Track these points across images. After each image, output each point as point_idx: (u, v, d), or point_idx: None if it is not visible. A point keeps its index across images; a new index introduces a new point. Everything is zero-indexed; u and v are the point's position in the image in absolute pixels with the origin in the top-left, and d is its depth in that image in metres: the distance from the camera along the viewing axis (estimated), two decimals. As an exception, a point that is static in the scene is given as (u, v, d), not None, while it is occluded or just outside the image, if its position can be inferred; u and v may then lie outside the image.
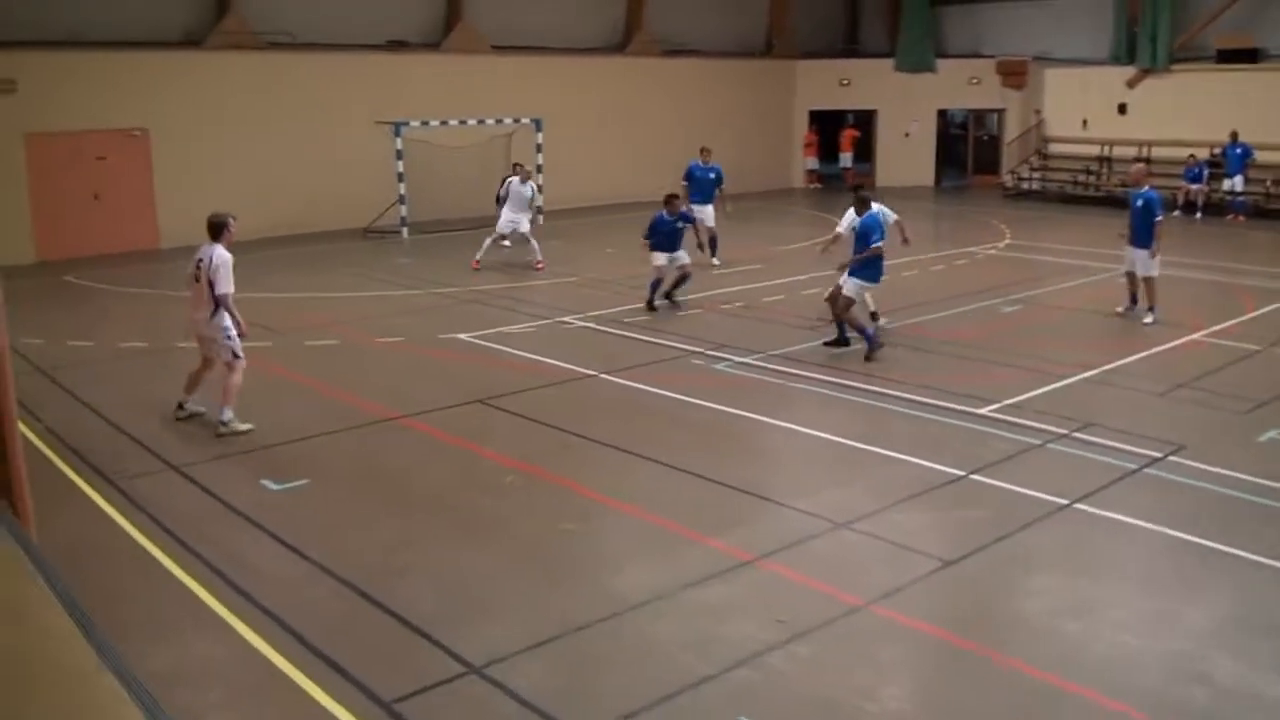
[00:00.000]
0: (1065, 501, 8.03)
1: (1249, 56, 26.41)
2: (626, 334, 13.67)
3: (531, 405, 10.60)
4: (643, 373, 11.76)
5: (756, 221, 24.06)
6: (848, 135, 33.73)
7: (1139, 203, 14.43)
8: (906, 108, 32.75)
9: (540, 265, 18.50)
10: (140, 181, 21.57)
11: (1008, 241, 21.73)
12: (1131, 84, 28.56)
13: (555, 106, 25.65)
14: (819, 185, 33.43)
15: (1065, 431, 9.63)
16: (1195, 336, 13.46)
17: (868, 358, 12.16)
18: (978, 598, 6.77)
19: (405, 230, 22.64)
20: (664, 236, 15.18)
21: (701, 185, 18.87)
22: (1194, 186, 25.53)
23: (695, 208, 17.79)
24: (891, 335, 13.57)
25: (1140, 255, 14.27)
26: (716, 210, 19.06)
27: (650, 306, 15.03)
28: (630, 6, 29.04)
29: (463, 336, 13.52)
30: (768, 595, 6.70)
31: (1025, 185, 30.33)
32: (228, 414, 9.73)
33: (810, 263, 19.02)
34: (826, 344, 12.83)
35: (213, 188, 21.67)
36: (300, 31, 23.39)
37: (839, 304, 12.52)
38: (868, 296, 13.27)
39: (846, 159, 33.69)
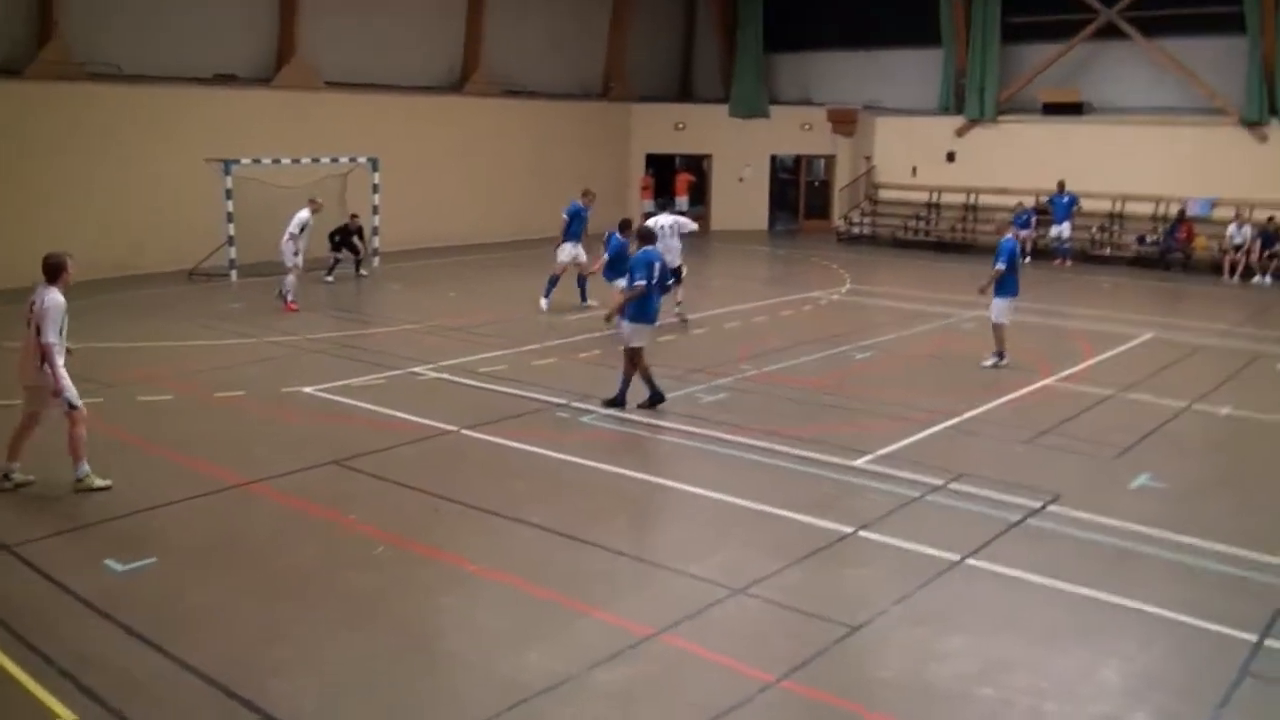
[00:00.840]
0: (956, 557, 7.94)
1: (1073, 110, 27.78)
2: (483, 385, 13.14)
3: (393, 466, 9.97)
4: (507, 427, 11.26)
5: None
6: (683, 179, 33.96)
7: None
8: (740, 152, 33.26)
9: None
10: (-54, 217, 19.83)
11: (848, 286, 22.09)
12: (960, 133, 29.68)
13: (392, 146, 24.94)
14: (656, 228, 33.45)
15: (941, 482, 9.60)
16: (1047, 382, 13.81)
17: (643, 406, 11.92)
18: (887, 665, 6.53)
19: (234, 273, 21.50)
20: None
21: (585, 225, 19.36)
22: (1023, 233, 26.49)
23: (569, 246, 18.90)
24: (749, 383, 13.48)
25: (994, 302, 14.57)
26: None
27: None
28: (468, 46, 28.57)
29: (308, 390, 12.73)
30: (674, 674, 6.32)
31: (857, 230, 31.10)
32: (83, 468, 9.15)
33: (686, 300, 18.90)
34: (606, 403, 12.00)
35: (29, 226, 20.22)
36: (127, 63, 22.06)
37: (631, 359, 11.93)
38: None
39: (682, 203, 33.82)
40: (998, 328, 14.55)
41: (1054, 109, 28.23)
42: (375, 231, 23.64)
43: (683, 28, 35.95)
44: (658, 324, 12.40)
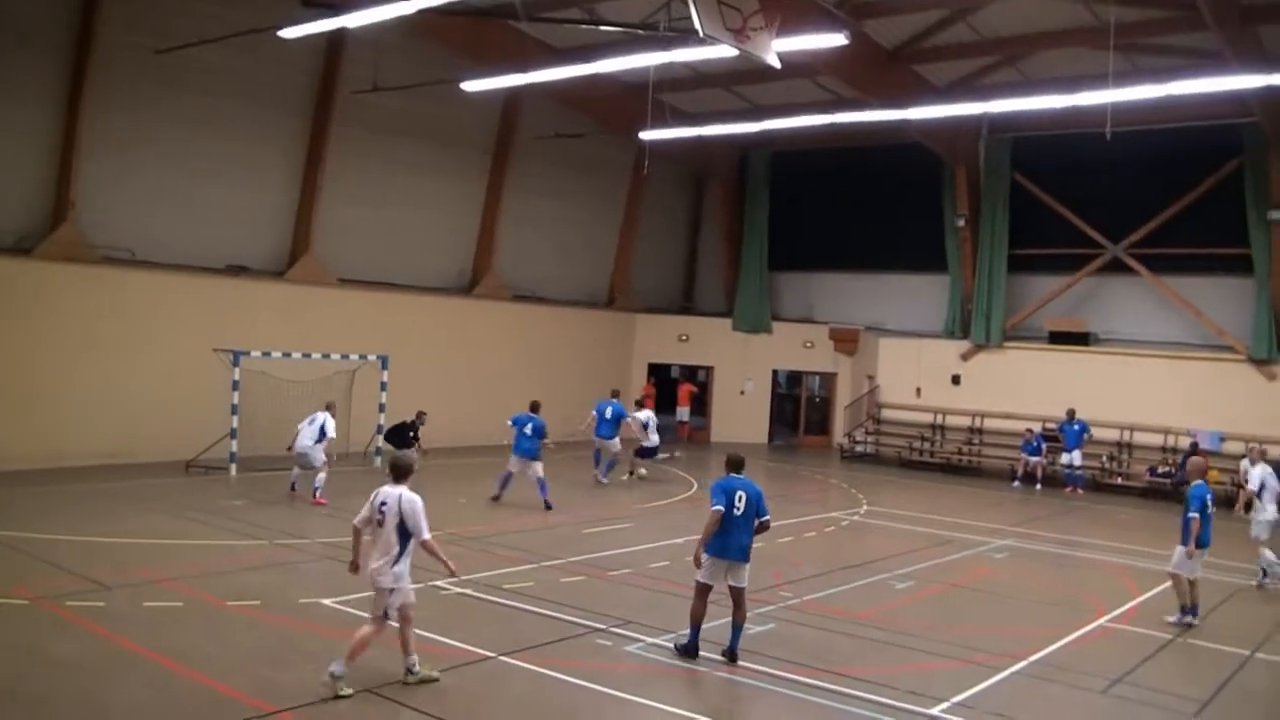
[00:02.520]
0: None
1: (1079, 339, 27.91)
2: (512, 604, 12.25)
3: (430, 697, 9.02)
4: (546, 655, 10.35)
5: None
6: (685, 390, 33.79)
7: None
8: (742, 366, 33.21)
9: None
10: (-60, 397, 19.11)
11: (867, 508, 21.46)
12: (965, 357, 29.70)
13: (401, 344, 24.66)
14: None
15: (1037, 741, 8.75)
16: (1102, 622, 13.06)
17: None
18: None
19: (234, 467, 20.69)
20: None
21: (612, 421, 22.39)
22: (1033, 459, 26.21)
23: (601, 440, 22.47)
24: (795, 612, 12.67)
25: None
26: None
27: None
28: (480, 250, 28.74)
29: (326, 602, 11.81)
30: None
31: (860, 448, 30.73)
32: (414, 657, 9.33)
33: (680, 521, 18.34)
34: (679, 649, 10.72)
35: (24, 408, 19.63)
36: (140, 249, 21.86)
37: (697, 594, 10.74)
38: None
39: (684, 413, 33.60)
40: (1176, 579, 13.23)
41: (1060, 338, 28.38)
42: (380, 430, 23.02)
43: (687, 243, 36.52)
44: (740, 559, 10.67)
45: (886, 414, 31.23)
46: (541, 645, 10.63)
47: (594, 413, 22.63)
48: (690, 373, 34.88)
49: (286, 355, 21.69)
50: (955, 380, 29.95)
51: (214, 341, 21.11)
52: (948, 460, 29.07)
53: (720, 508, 10.54)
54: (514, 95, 27.12)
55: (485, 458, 23.52)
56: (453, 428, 26.42)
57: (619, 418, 22.40)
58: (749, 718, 9.30)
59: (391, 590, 9.19)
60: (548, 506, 18.87)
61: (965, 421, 29.54)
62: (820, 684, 9.91)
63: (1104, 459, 26.53)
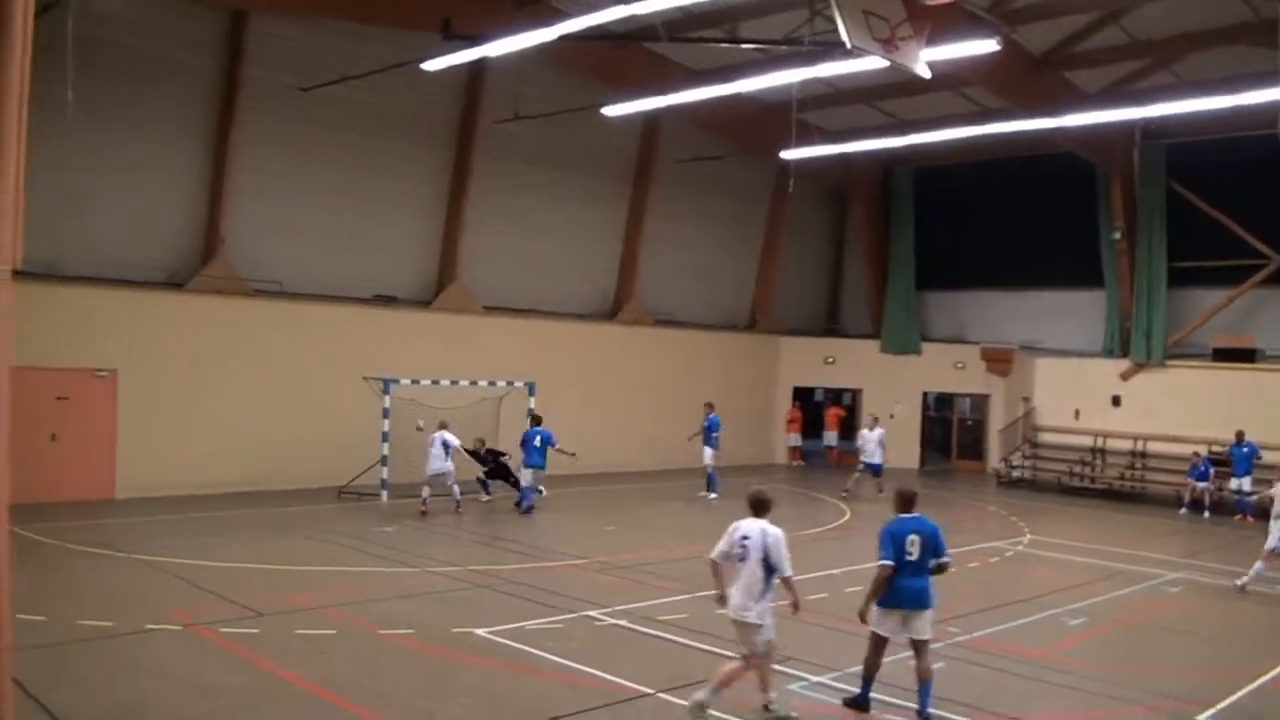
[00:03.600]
0: None
1: (1246, 356, 26.27)
2: (668, 636, 11.83)
3: (593, 738, 8.69)
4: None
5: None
6: (833, 413, 33.05)
7: None
8: (891, 389, 32.25)
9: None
10: (102, 425, 19.86)
11: (1030, 537, 20.40)
12: (1125, 377, 28.26)
13: (545, 370, 24.61)
14: (801, 462, 32.38)
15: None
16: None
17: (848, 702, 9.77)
18: None
19: (385, 493, 20.86)
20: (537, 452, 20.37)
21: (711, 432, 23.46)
22: (1200, 485, 24.68)
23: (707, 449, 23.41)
24: (964, 649, 11.92)
25: None
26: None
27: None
28: (622, 276, 28.63)
29: (480, 633, 11.58)
30: None
31: (1017, 474, 29.47)
32: (773, 694, 9.07)
33: (834, 550, 17.70)
34: (847, 702, 9.82)
35: (179, 436, 20.20)
36: (289, 281, 22.34)
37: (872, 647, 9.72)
38: None
39: (831, 437, 32.87)
40: None
41: (1226, 354, 26.74)
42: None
43: (831, 263, 35.79)
44: (913, 608, 9.48)
45: (1043, 437, 29.89)
46: (700, 681, 10.13)
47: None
48: (835, 396, 34.10)
49: (435, 382, 21.84)
50: (1115, 401, 28.47)
51: (363, 370, 21.38)
52: (1109, 486, 27.61)
53: (889, 561, 9.37)
54: (653, 120, 26.99)
55: (632, 484, 23.29)
56: (598, 453, 26.23)
57: (546, 444, 21.05)
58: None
59: (758, 627, 8.95)
60: (520, 506, 20.63)
61: (1127, 445, 28.02)
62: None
63: (1276, 484, 24.69)
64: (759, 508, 9.16)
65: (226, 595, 12.81)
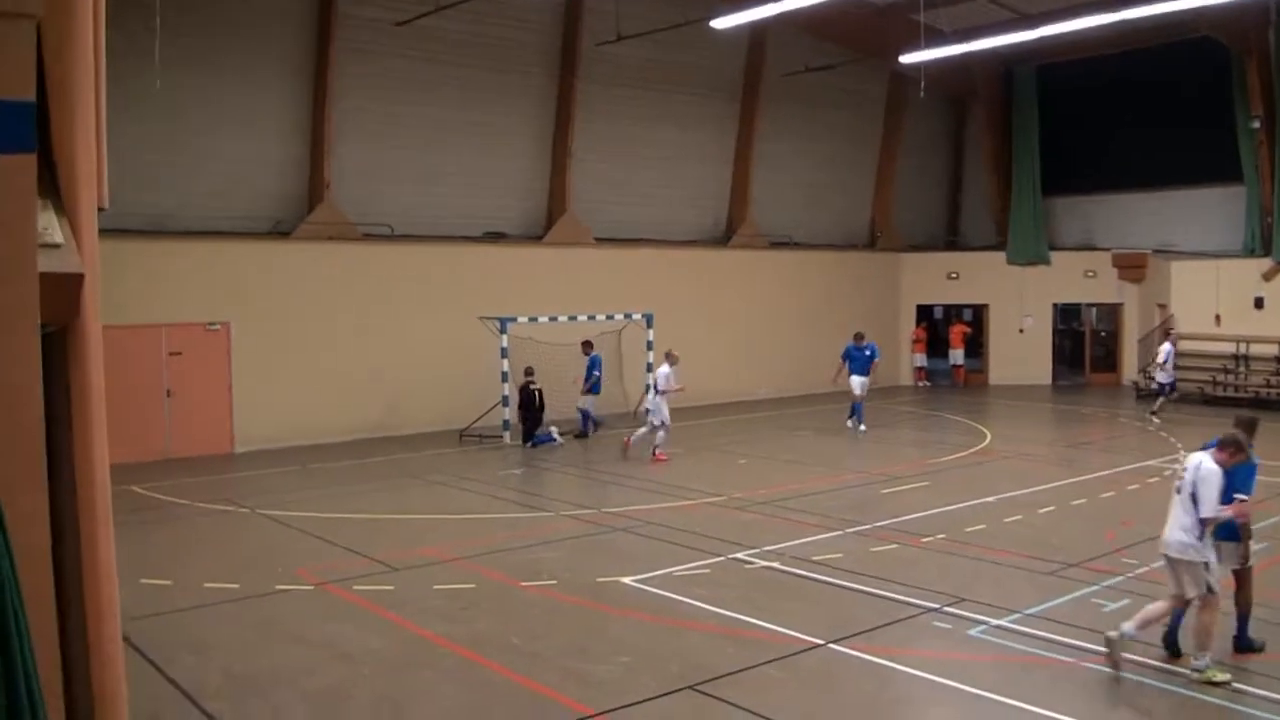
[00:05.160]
0: None
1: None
2: (825, 579, 10.97)
3: (767, 698, 7.86)
4: (882, 641, 9.04)
5: (887, 426, 21.48)
6: (958, 330, 31.62)
7: None
8: (1019, 302, 30.66)
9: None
10: (217, 380, 19.59)
11: (1186, 452, 18.94)
12: (1268, 277, 26.31)
13: (661, 300, 23.71)
14: (927, 383, 31.10)
15: None
16: None
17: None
18: None
19: (507, 435, 20.32)
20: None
21: (858, 361, 21.92)
22: None
23: (855, 378, 21.77)
24: (1147, 584, 10.81)
25: None
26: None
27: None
28: (734, 199, 27.47)
29: (626, 580, 10.89)
30: None
31: (1154, 385, 27.77)
32: (1204, 659, 8.01)
33: (981, 477, 16.68)
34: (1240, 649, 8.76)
35: (294, 386, 19.93)
36: (398, 224, 21.77)
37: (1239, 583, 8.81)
38: None
39: (958, 355, 31.48)
40: None
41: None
42: (649, 390, 22.23)
43: (950, 173, 34.05)
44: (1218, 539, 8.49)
45: (1183, 345, 28.08)
46: (873, 629, 9.32)
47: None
48: (958, 312, 32.64)
49: (553, 319, 21.13)
50: (1258, 304, 26.52)
51: (478, 309, 20.78)
52: (1255, 394, 25.78)
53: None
54: (760, 31, 25.61)
55: (757, 413, 22.41)
56: (720, 382, 25.45)
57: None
58: None
59: (1199, 564, 8.15)
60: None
61: (1272, 350, 26.11)
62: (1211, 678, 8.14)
63: None
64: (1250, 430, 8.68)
65: (356, 549, 12.33)
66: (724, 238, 27.35)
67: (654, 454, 18.26)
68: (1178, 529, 8.22)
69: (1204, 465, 8.20)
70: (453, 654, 8.84)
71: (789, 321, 27.39)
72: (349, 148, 21.12)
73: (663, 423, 18.37)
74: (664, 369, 18.61)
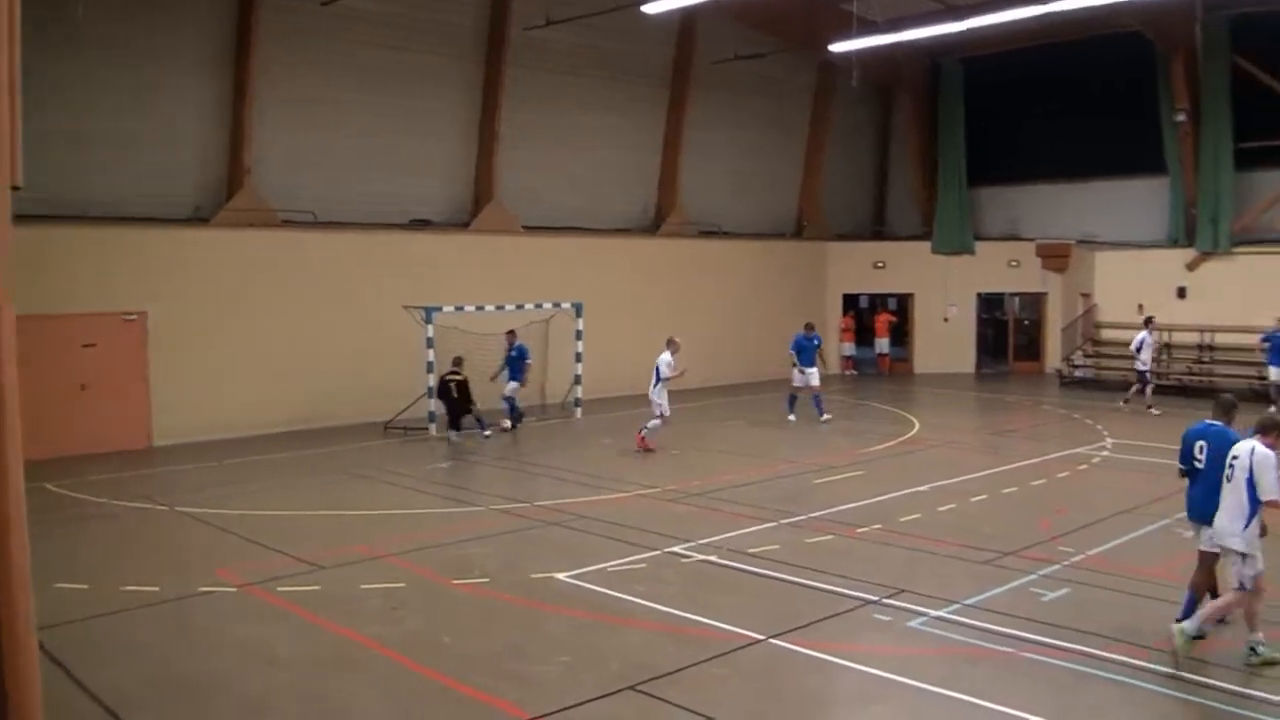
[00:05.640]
0: None
1: (1319, 238, 24.87)
2: (763, 572, 10.86)
3: (710, 697, 7.70)
4: (823, 635, 8.95)
5: (816, 416, 21.43)
6: (882, 319, 31.87)
7: None
8: (944, 291, 30.96)
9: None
10: (133, 371, 18.92)
11: (1111, 440, 19.30)
12: (1191, 267, 26.87)
13: (589, 289, 23.51)
14: (854, 372, 31.30)
15: None
16: None
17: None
18: None
19: (434, 427, 19.95)
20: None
21: (808, 352, 21.53)
22: (1273, 371, 22.74)
23: (806, 369, 21.39)
24: (1083, 571, 10.91)
25: None
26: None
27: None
28: (663, 187, 27.31)
29: (560, 577, 10.67)
30: None
31: (1079, 373, 28.24)
32: (1257, 637, 8.16)
33: (915, 466, 16.76)
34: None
35: (214, 377, 19.36)
36: (321, 210, 21.23)
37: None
38: None
39: (883, 344, 31.71)
40: None
41: (1295, 238, 25.32)
42: (578, 380, 22.02)
43: (877, 163, 34.24)
44: (1203, 522, 8.68)
45: (1106, 334, 28.62)
46: (813, 623, 9.22)
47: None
48: (882, 301, 32.88)
49: (479, 308, 20.78)
50: (1181, 293, 27.09)
51: (403, 299, 20.35)
52: (1179, 381, 26.31)
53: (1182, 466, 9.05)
54: (690, 18, 25.47)
55: (687, 403, 22.25)
56: (649, 372, 25.24)
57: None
58: (1084, 714, 7.67)
59: (1244, 556, 8.10)
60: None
61: (1194, 339, 26.69)
62: (1150, 666, 8.17)
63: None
64: (1226, 413, 8.84)
65: (280, 548, 11.95)
66: (653, 226, 27.19)
67: (640, 438, 18.20)
68: (1224, 516, 8.25)
69: (1258, 450, 8.15)
70: (382, 657, 8.55)
71: (717, 311, 27.33)
72: (271, 132, 20.50)
73: (662, 414, 18.22)
74: (665, 356, 18.43)
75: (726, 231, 28.84)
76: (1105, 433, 20.12)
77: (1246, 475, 8.08)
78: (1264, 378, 23.13)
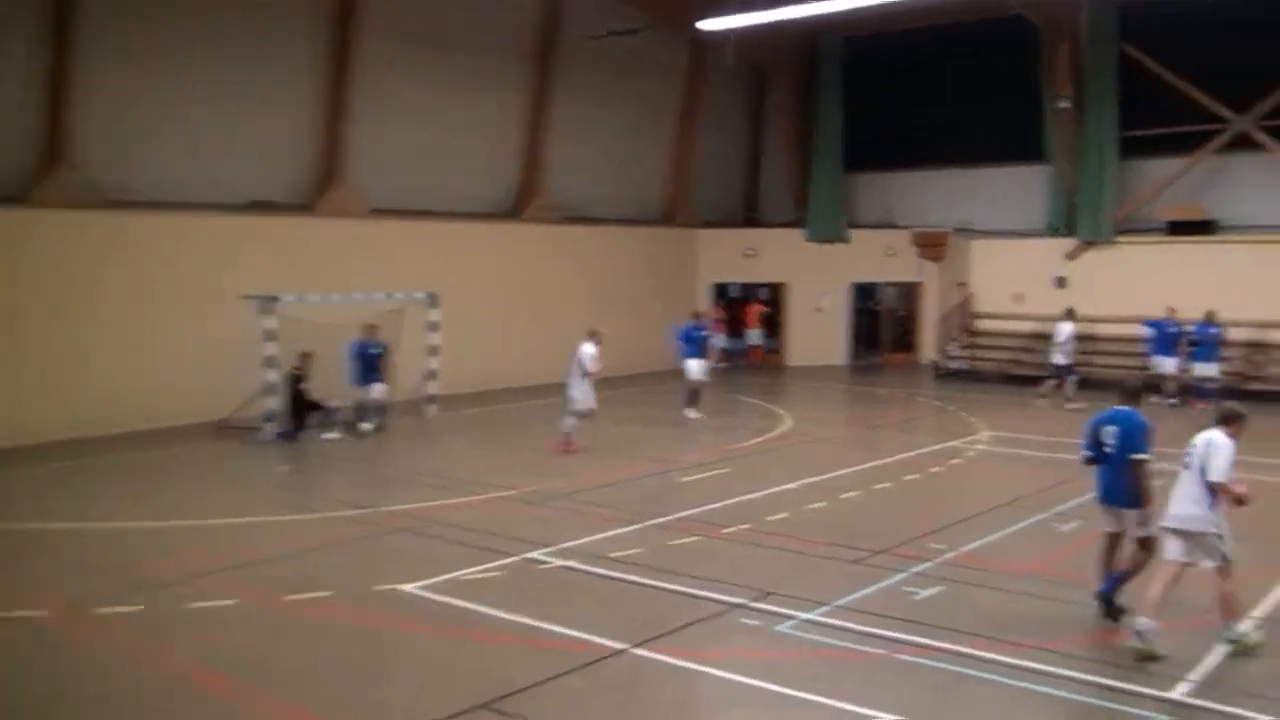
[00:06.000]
0: None
1: (1201, 229, 25.99)
2: (625, 577, 10.82)
3: (569, 712, 7.63)
4: (689, 642, 8.94)
5: (675, 411, 21.45)
6: (754, 310, 32.20)
7: None
8: (818, 280, 31.45)
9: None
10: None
11: (987, 433, 19.86)
12: (1071, 256, 27.89)
13: (446, 277, 23.12)
14: (726, 364, 31.52)
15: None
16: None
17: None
18: None
19: (271, 425, 19.31)
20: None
21: (695, 344, 21.32)
22: (1168, 362, 23.44)
23: (692, 362, 21.16)
24: (956, 568, 11.18)
25: None
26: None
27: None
28: (525, 171, 27.05)
29: (408, 589, 10.42)
30: None
31: (954, 365, 29.00)
32: (1237, 628, 8.70)
33: (784, 463, 16.99)
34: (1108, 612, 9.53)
35: (28, 374, 18.36)
36: (149, 189, 20.42)
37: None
38: None
39: (754, 335, 32.06)
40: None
41: (1180, 228, 26.45)
42: (434, 375, 21.64)
43: (749, 147, 34.56)
44: (1114, 505, 9.50)
45: (982, 324, 29.50)
46: (677, 630, 9.21)
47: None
48: (753, 291, 33.26)
49: (325, 298, 20.24)
50: (1060, 283, 28.06)
51: (241, 287, 19.66)
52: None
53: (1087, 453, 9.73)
54: (556, -11, 25.33)
55: (550, 398, 22.09)
56: (508, 366, 25.15)
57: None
58: (956, 715, 7.82)
59: (1215, 536, 8.68)
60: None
61: (1074, 329, 27.48)
62: (1032, 665, 8.40)
63: (1234, 363, 24.47)
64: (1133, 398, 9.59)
65: (101, 566, 11.39)
66: (515, 211, 26.93)
67: (564, 440, 17.73)
68: (1188, 502, 8.73)
69: (1215, 438, 8.76)
70: (213, 684, 8.22)
71: (581, 301, 27.13)
72: (93, 106, 19.55)
73: (588, 409, 17.81)
74: (587, 348, 17.85)
75: (594, 217, 28.76)
76: (981, 425, 20.70)
77: (1202, 462, 8.70)
78: (1146, 369, 23.59)
